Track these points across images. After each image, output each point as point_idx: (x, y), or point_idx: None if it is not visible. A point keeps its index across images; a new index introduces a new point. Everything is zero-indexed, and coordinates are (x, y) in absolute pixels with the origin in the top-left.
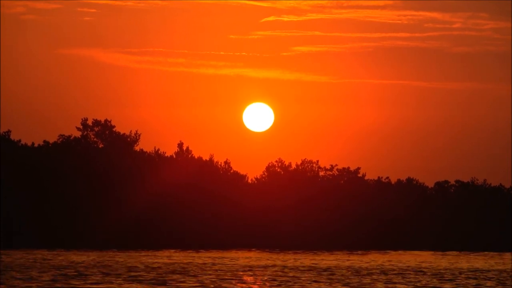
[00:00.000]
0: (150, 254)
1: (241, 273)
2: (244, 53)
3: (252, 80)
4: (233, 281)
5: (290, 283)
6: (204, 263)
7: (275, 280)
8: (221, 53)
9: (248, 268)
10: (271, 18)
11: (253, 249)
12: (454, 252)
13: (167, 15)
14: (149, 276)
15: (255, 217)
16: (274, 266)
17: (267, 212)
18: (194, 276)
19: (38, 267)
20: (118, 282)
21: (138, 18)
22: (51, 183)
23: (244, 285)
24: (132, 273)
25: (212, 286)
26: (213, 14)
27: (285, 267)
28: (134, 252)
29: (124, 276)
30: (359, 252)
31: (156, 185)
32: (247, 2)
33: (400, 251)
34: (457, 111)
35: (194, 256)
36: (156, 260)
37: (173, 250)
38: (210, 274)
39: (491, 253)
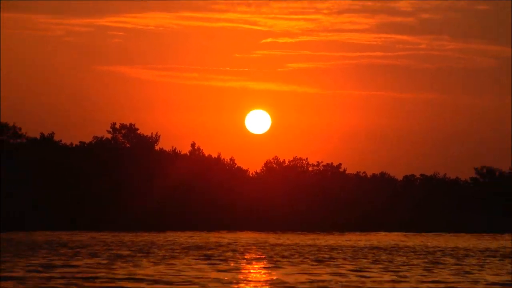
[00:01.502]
0: (173, 234)
1: (254, 248)
2: (246, 69)
3: (253, 91)
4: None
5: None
6: (229, 243)
7: (279, 254)
8: (227, 68)
9: (262, 245)
10: (268, 40)
11: (253, 231)
12: (419, 233)
13: (183, 37)
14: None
15: (254, 204)
16: (277, 244)
17: (264, 200)
18: (242, 253)
19: (103, 244)
20: (186, 258)
21: (158, 40)
22: (87, 176)
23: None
24: (184, 250)
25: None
26: (220, 36)
27: (289, 245)
28: (160, 233)
29: (183, 253)
30: (340, 233)
31: (173, 177)
32: (249, 26)
33: (373, 232)
34: (422, 117)
35: (209, 236)
36: (185, 240)
37: (189, 232)
38: (248, 250)
39: (449, 234)
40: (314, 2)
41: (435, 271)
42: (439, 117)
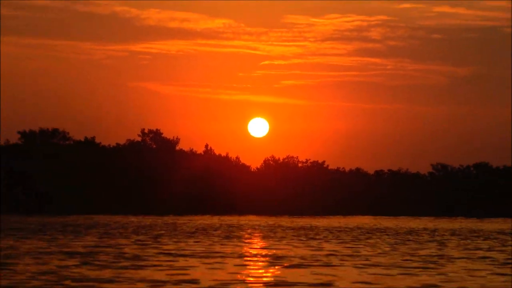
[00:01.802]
0: (192, 218)
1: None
2: (248, 85)
3: (254, 103)
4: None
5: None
6: (241, 224)
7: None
8: (233, 85)
9: (267, 226)
10: (266, 62)
11: (253, 214)
12: (387, 216)
13: (198, 60)
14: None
15: (255, 193)
16: (277, 225)
17: (263, 189)
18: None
19: (148, 226)
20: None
21: (178, 62)
22: (121, 171)
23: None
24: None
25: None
26: (228, 59)
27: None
28: (181, 216)
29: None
30: (323, 216)
31: (190, 172)
32: (250, 51)
33: (349, 216)
34: (389, 123)
35: (224, 220)
36: (208, 222)
37: (206, 215)
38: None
39: (411, 217)
40: (303, 32)
41: (396, 246)
42: (402, 122)
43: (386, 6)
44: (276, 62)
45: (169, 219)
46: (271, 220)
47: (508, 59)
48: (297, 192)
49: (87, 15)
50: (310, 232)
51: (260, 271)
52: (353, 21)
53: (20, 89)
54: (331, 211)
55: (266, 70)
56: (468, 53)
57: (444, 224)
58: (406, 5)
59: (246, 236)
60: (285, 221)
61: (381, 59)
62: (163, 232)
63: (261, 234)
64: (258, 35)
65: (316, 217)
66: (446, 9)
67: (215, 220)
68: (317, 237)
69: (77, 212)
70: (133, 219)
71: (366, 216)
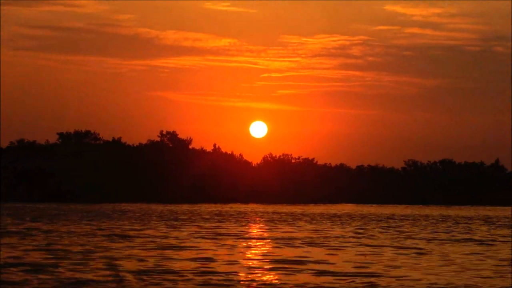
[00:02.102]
0: (202, 205)
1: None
2: (250, 94)
3: (255, 109)
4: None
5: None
6: (247, 211)
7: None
8: (237, 94)
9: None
10: (265, 75)
11: (254, 203)
12: (367, 204)
13: (208, 73)
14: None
15: (256, 185)
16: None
17: (262, 182)
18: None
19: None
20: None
21: (191, 74)
22: (144, 166)
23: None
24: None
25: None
26: (233, 72)
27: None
28: (194, 204)
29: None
30: (313, 204)
31: (201, 166)
32: (252, 66)
33: (335, 204)
34: (368, 126)
35: (233, 206)
36: (224, 209)
37: (214, 204)
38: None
39: (388, 205)
40: (296, 50)
41: (374, 227)
42: (380, 125)
43: (365, 28)
44: (273, 75)
45: (186, 206)
46: (269, 208)
47: (468, 73)
48: (291, 184)
49: (114, 35)
50: (306, 217)
51: (290, 249)
52: (338, 40)
53: (59, 97)
54: (319, 199)
55: (264, 81)
56: (434, 67)
57: (416, 210)
58: (382, 27)
59: (262, 220)
60: (282, 208)
61: (361, 72)
62: (208, 217)
63: (272, 219)
64: (258, 52)
65: (307, 205)
66: (416, 30)
67: (230, 207)
68: (314, 221)
69: (106, 201)
70: (155, 207)
71: (349, 204)
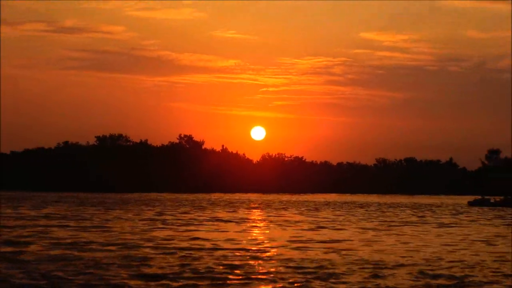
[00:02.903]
0: (213, 195)
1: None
2: (251, 105)
3: (255, 117)
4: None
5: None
6: (250, 200)
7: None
8: (241, 104)
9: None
10: (264, 89)
11: (254, 193)
12: (345, 194)
13: (216, 87)
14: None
15: (256, 178)
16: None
17: (261, 176)
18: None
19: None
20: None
21: (203, 89)
22: (165, 163)
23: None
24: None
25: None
26: (237, 87)
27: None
28: (206, 194)
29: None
30: (301, 194)
31: (212, 163)
32: (252, 82)
33: (319, 194)
34: (347, 132)
35: (239, 196)
36: (231, 197)
37: (223, 194)
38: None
39: (363, 194)
40: (288, 69)
41: (351, 210)
42: (356, 130)
43: (345, 51)
44: (270, 89)
45: (200, 196)
46: (265, 197)
47: (429, 87)
48: (284, 177)
49: (141, 57)
50: (301, 205)
51: (296, 231)
52: (322, 61)
53: (95, 106)
54: (307, 190)
55: (263, 95)
56: (402, 83)
57: (386, 199)
58: (359, 51)
59: (274, 207)
60: (278, 197)
61: (342, 87)
62: (235, 203)
63: (285, 207)
64: (258, 71)
65: (298, 194)
66: (386, 53)
67: (236, 196)
68: (309, 208)
69: (136, 191)
70: (176, 196)
71: (331, 194)
